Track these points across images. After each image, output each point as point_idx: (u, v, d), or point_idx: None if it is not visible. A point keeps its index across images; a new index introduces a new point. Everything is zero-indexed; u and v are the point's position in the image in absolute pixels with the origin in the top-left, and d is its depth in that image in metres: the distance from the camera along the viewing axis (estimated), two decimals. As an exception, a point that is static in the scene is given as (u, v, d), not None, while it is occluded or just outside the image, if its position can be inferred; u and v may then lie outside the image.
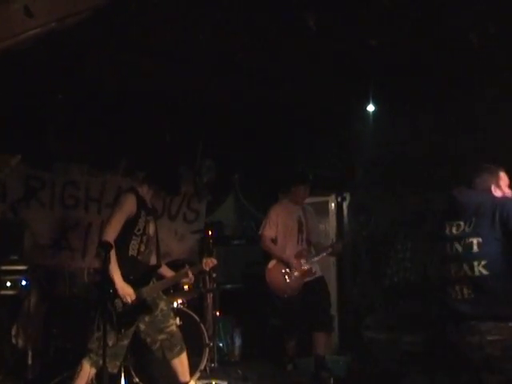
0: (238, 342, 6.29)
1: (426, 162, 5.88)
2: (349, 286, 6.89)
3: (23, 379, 5.20)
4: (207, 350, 5.22)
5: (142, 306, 4.20)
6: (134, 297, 4.08)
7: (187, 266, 4.54)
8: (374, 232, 6.06)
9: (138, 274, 4.21)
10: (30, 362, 5.27)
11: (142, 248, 4.28)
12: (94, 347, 4.09)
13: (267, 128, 6.33)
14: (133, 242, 4.21)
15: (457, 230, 3.59)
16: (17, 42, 3.27)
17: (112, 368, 4.14)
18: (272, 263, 5.65)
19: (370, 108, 5.70)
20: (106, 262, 3.75)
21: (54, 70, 4.77)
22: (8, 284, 5.42)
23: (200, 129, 6.32)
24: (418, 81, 5.06)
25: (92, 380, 4.30)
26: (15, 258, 5.56)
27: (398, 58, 4.74)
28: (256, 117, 6.11)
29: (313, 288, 5.58)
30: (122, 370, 4.70)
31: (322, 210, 7.03)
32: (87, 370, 4.13)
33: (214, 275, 5.70)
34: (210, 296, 5.97)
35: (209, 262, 4.62)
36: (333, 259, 6.72)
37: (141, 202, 4.26)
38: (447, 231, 3.63)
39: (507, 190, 3.66)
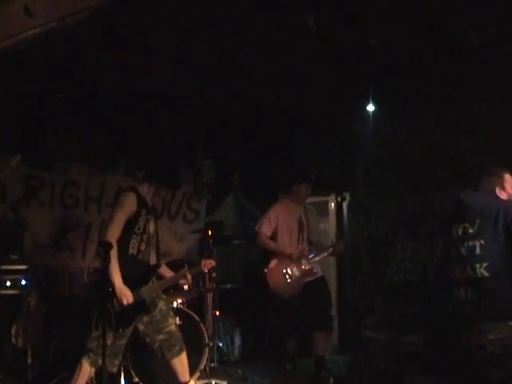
0: (237, 341, 6.29)
1: (425, 161, 5.88)
2: (349, 286, 6.89)
3: (23, 379, 5.21)
4: (207, 349, 5.22)
5: (141, 306, 4.20)
6: (130, 300, 4.07)
7: (186, 267, 4.54)
8: (374, 232, 6.05)
9: (137, 273, 4.22)
10: (29, 361, 5.28)
11: (143, 247, 4.28)
12: (92, 346, 4.10)
13: (267, 128, 6.33)
14: (133, 240, 4.21)
15: (462, 232, 3.62)
16: (16, 42, 3.26)
17: (111, 367, 4.15)
18: (273, 263, 5.65)
19: (370, 108, 5.70)
20: (105, 261, 3.76)
21: (53, 70, 4.77)
22: (8, 284, 5.42)
23: (200, 129, 6.31)
24: (418, 81, 5.06)
25: (91, 379, 4.31)
26: (15, 257, 5.57)
27: (398, 58, 4.73)
28: (256, 117, 6.11)
29: (313, 288, 5.58)
30: (122, 369, 4.71)
31: (322, 209, 7.03)
32: (86, 370, 4.14)
33: (214, 275, 5.71)
34: (209, 296, 5.97)
35: (207, 263, 4.63)
36: (333, 259, 6.72)
37: (141, 201, 4.26)
38: (453, 233, 3.65)
39: None
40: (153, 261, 4.47)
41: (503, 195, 3.65)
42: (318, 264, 5.72)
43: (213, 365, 5.53)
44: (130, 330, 4.23)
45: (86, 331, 4.32)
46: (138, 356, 4.83)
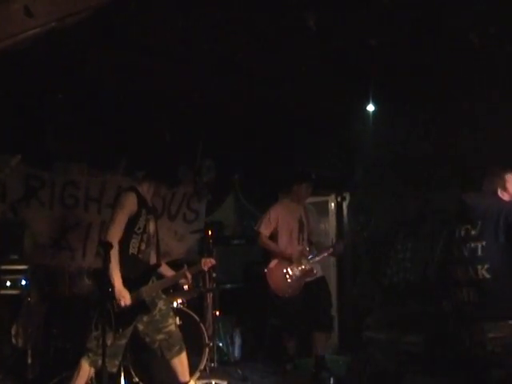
0: (237, 341, 6.29)
1: (425, 161, 5.88)
2: (349, 286, 6.89)
3: (23, 379, 5.20)
4: (207, 349, 5.22)
5: (141, 306, 4.20)
6: (128, 302, 4.07)
7: (186, 267, 4.54)
8: (374, 232, 6.05)
9: (138, 273, 4.22)
10: (29, 361, 5.27)
11: (143, 246, 4.28)
12: (92, 346, 4.09)
13: (267, 128, 6.32)
14: (133, 240, 4.21)
15: (464, 233, 3.63)
16: (16, 42, 3.26)
17: (111, 367, 4.14)
18: (273, 263, 5.65)
19: (370, 108, 5.70)
20: (105, 261, 3.75)
21: (53, 70, 4.77)
22: (8, 284, 5.42)
23: (200, 129, 6.31)
24: (418, 81, 5.06)
25: (91, 379, 4.31)
26: (15, 257, 5.56)
27: (398, 58, 4.73)
28: (256, 117, 6.11)
29: (314, 288, 5.58)
30: (122, 369, 4.70)
31: (322, 209, 7.03)
32: (86, 370, 4.13)
33: (214, 275, 5.70)
34: (209, 296, 5.97)
35: (207, 262, 4.62)
36: (333, 259, 6.72)
37: (141, 201, 4.26)
38: (456, 234, 3.68)
39: None
40: (153, 260, 4.47)
41: (505, 196, 3.65)
42: (318, 264, 5.72)
43: (213, 365, 5.53)
44: (130, 330, 4.23)
45: (85, 331, 4.32)
46: (138, 356, 4.83)
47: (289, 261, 5.55)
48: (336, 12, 4.03)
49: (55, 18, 3.20)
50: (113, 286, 3.99)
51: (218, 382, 5.16)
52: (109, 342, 3.93)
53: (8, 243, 5.56)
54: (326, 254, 5.74)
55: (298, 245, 5.70)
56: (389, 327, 5.31)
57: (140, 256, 4.27)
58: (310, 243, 5.79)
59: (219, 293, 5.88)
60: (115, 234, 4.08)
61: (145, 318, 4.27)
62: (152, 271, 4.39)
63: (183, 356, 4.43)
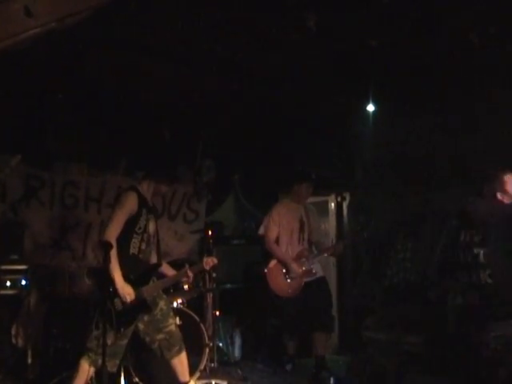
0: (237, 341, 6.28)
1: (425, 162, 5.88)
2: (349, 287, 6.89)
3: (23, 379, 5.20)
4: (207, 349, 5.21)
5: (142, 306, 4.20)
6: (133, 296, 4.08)
7: (187, 266, 4.53)
8: (374, 232, 6.05)
9: (138, 273, 4.21)
10: (29, 361, 5.27)
11: (143, 246, 4.28)
12: (92, 346, 4.09)
13: (267, 128, 6.32)
14: (134, 240, 4.21)
15: (469, 238, 3.66)
16: (17, 42, 3.26)
17: (111, 367, 4.14)
18: (273, 263, 5.65)
19: (370, 108, 5.70)
20: (105, 261, 3.75)
21: (53, 70, 4.77)
22: (8, 284, 5.41)
23: (200, 129, 6.31)
24: (418, 81, 5.06)
25: (91, 379, 4.30)
26: (15, 257, 5.56)
27: (398, 57, 4.73)
28: (256, 117, 6.11)
29: (314, 288, 5.58)
30: (122, 369, 4.70)
31: (322, 209, 7.03)
32: (86, 369, 4.13)
33: (214, 275, 5.70)
34: (209, 296, 5.96)
35: (209, 261, 4.61)
36: (333, 260, 6.72)
37: (142, 201, 4.26)
38: (461, 238, 3.71)
39: None
40: (153, 260, 4.47)
41: (505, 199, 3.66)
42: (319, 264, 5.72)
43: (213, 365, 5.52)
44: (131, 330, 4.23)
45: (85, 331, 4.32)
46: (138, 356, 4.82)
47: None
48: (336, 12, 4.03)
49: (55, 18, 3.20)
50: (114, 284, 3.99)
51: (217, 382, 5.16)
52: (109, 342, 3.93)
53: (8, 243, 5.56)
54: (325, 254, 5.74)
55: (299, 245, 5.70)
56: (389, 327, 5.32)
57: (140, 256, 4.27)
58: (311, 243, 5.78)
59: (219, 293, 5.88)
60: (113, 233, 4.07)
61: (146, 318, 4.27)
62: (152, 271, 4.39)
63: (183, 356, 4.43)
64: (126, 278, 4.08)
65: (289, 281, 5.54)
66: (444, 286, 4.15)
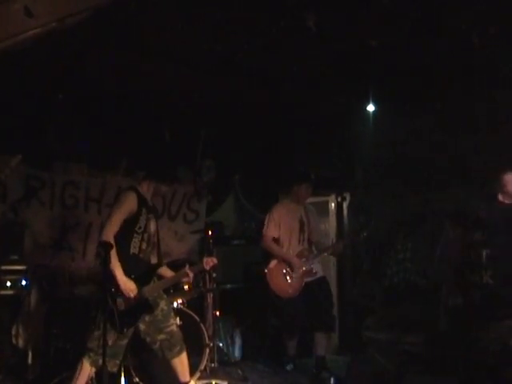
0: (238, 341, 6.28)
1: (426, 162, 5.89)
2: (349, 287, 6.89)
3: (23, 379, 5.19)
4: (207, 349, 5.21)
5: (144, 306, 4.20)
6: (135, 292, 4.08)
7: (187, 266, 4.53)
8: (374, 232, 6.06)
9: (139, 272, 4.21)
10: (30, 362, 5.26)
11: (144, 246, 4.29)
12: (93, 346, 4.09)
13: (267, 128, 6.33)
14: (134, 239, 4.21)
15: (474, 239, 3.69)
16: (17, 42, 3.27)
17: (111, 367, 4.14)
18: (273, 263, 5.65)
19: (370, 108, 5.70)
20: (106, 261, 3.75)
21: (54, 70, 4.78)
22: (8, 284, 5.41)
23: (200, 129, 6.32)
24: (418, 81, 5.06)
25: (92, 379, 4.30)
26: (15, 257, 5.55)
27: (398, 58, 4.74)
28: (256, 117, 6.11)
29: (315, 288, 5.57)
30: (122, 369, 4.70)
31: (322, 209, 7.03)
32: (87, 369, 4.13)
33: (214, 275, 5.70)
34: (210, 296, 5.96)
35: (209, 261, 4.61)
36: (333, 259, 6.72)
37: (141, 200, 4.26)
38: (468, 239, 3.74)
39: None
40: (154, 260, 4.47)
41: (506, 199, 3.68)
42: (319, 264, 5.72)
43: (213, 365, 5.52)
44: (131, 330, 4.23)
45: (86, 331, 4.32)
46: (139, 356, 4.83)
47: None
48: (336, 12, 4.03)
49: (55, 19, 3.21)
50: (117, 284, 3.99)
51: (218, 382, 5.16)
52: (110, 342, 3.94)
53: (8, 243, 5.55)
54: (325, 254, 5.74)
55: (299, 245, 5.70)
56: (389, 327, 5.33)
57: (141, 255, 4.28)
58: (311, 243, 5.78)
59: (219, 293, 5.88)
60: (111, 233, 4.07)
61: (147, 318, 4.27)
62: (153, 271, 4.39)
63: (184, 356, 4.43)
64: (127, 277, 4.08)
65: (289, 281, 5.54)
66: (448, 286, 4.17)
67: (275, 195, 6.54)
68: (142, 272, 4.25)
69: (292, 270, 5.53)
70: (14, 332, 5.46)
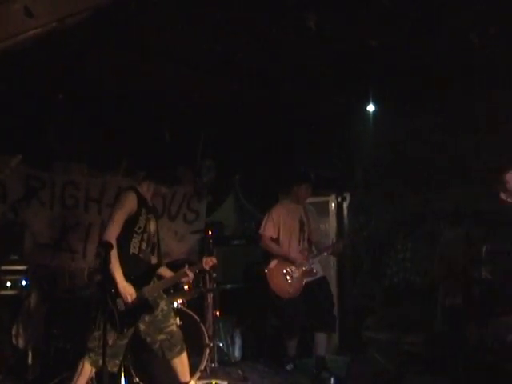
0: (238, 342, 6.28)
1: (426, 161, 5.89)
2: (349, 287, 6.89)
3: (23, 379, 5.20)
4: (207, 350, 5.21)
5: (144, 306, 4.20)
6: (134, 296, 4.08)
7: (186, 266, 4.53)
8: (374, 232, 6.06)
9: (139, 272, 4.22)
10: (30, 362, 5.27)
11: (143, 246, 4.29)
12: (93, 346, 4.09)
13: (267, 128, 6.33)
14: (134, 239, 4.21)
15: (476, 235, 3.71)
16: (17, 42, 3.27)
17: (112, 367, 4.15)
18: (273, 263, 5.65)
19: (370, 108, 5.70)
20: (106, 262, 3.75)
21: (54, 70, 4.77)
22: (8, 284, 5.41)
23: (200, 129, 6.31)
24: (418, 81, 5.06)
25: (92, 379, 4.30)
26: (15, 257, 5.55)
27: (398, 57, 4.74)
28: (256, 117, 6.11)
29: (315, 288, 5.57)
30: (122, 369, 4.70)
31: (323, 210, 7.03)
32: (87, 370, 4.14)
33: (214, 275, 5.70)
34: (210, 296, 5.96)
35: (209, 261, 4.60)
36: (333, 259, 6.72)
37: (141, 200, 4.26)
38: (468, 236, 3.78)
39: None
40: (154, 260, 4.47)
41: (509, 197, 3.70)
42: (319, 264, 5.72)
43: (213, 365, 5.52)
44: (131, 331, 4.23)
45: (86, 331, 4.32)
46: (139, 356, 4.83)
47: (290, 261, 5.56)
48: (336, 12, 4.03)
49: (55, 19, 3.21)
50: (116, 285, 3.99)
51: (218, 382, 5.16)
52: (110, 342, 3.94)
53: (8, 244, 5.55)
54: (325, 253, 5.74)
55: (299, 245, 5.70)
56: (389, 327, 5.33)
57: (141, 255, 4.28)
58: (311, 243, 5.78)
59: (219, 293, 5.88)
60: (113, 233, 4.07)
61: (147, 318, 4.27)
62: (153, 271, 4.40)
63: (184, 356, 4.43)
64: (127, 278, 4.08)
65: (289, 281, 5.54)
66: (445, 286, 4.18)
67: (275, 195, 6.54)
68: (141, 272, 4.25)
69: (293, 267, 5.53)
70: (14, 332, 5.46)
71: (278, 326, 6.00)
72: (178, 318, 4.85)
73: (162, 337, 4.32)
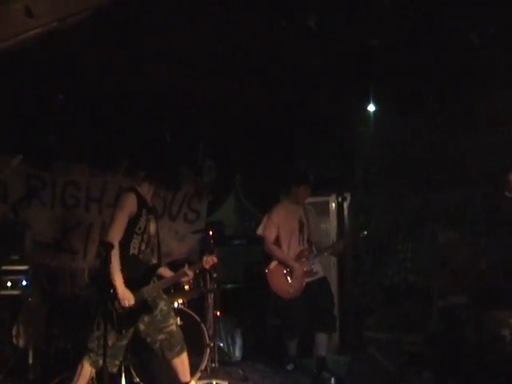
0: (238, 341, 6.28)
1: (425, 161, 5.89)
2: (349, 287, 6.89)
3: (24, 379, 5.20)
4: (208, 349, 5.22)
5: (143, 307, 4.20)
6: (132, 302, 4.07)
7: (186, 265, 4.52)
8: (374, 232, 6.06)
9: (139, 273, 4.21)
10: (30, 362, 5.27)
11: (143, 247, 4.28)
12: (93, 346, 4.09)
13: (267, 128, 6.33)
14: (134, 240, 4.21)
15: (478, 229, 3.75)
16: (17, 42, 3.27)
17: (112, 367, 4.15)
18: (273, 264, 5.65)
19: (370, 108, 5.70)
20: (106, 262, 3.75)
21: (54, 70, 4.78)
22: (9, 284, 5.41)
23: (200, 129, 6.32)
24: (418, 81, 5.06)
25: (92, 379, 4.30)
26: (16, 258, 5.55)
27: (398, 57, 4.74)
28: (256, 117, 6.11)
29: (316, 288, 5.57)
30: (123, 369, 4.70)
31: (323, 210, 7.03)
32: (87, 370, 4.14)
33: (215, 275, 5.70)
34: (210, 296, 5.96)
35: (209, 260, 4.58)
36: (333, 259, 6.72)
37: (141, 201, 4.26)
38: (480, 228, 3.84)
39: None
40: (154, 260, 4.47)
41: None
42: (320, 264, 5.72)
43: (214, 365, 5.52)
44: (131, 331, 4.23)
45: (86, 331, 4.32)
46: (139, 356, 4.83)
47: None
48: (336, 12, 4.04)
49: (56, 19, 3.21)
50: (115, 288, 3.99)
51: (218, 382, 5.16)
52: (110, 343, 3.94)
53: (9, 244, 5.56)
54: (325, 253, 5.74)
55: (299, 245, 5.70)
56: (389, 327, 5.33)
57: (140, 256, 4.28)
58: (311, 243, 5.79)
59: (220, 293, 5.88)
60: (116, 235, 4.07)
61: (146, 318, 4.27)
62: (153, 271, 4.39)
63: (184, 356, 4.43)
64: (127, 279, 4.08)
65: (290, 281, 5.54)
66: (438, 286, 4.20)
67: (276, 195, 6.54)
68: (141, 273, 4.25)
69: (292, 272, 5.54)
70: (14, 332, 5.46)
71: (279, 326, 6.00)
72: (178, 318, 4.85)
73: (161, 337, 4.32)
